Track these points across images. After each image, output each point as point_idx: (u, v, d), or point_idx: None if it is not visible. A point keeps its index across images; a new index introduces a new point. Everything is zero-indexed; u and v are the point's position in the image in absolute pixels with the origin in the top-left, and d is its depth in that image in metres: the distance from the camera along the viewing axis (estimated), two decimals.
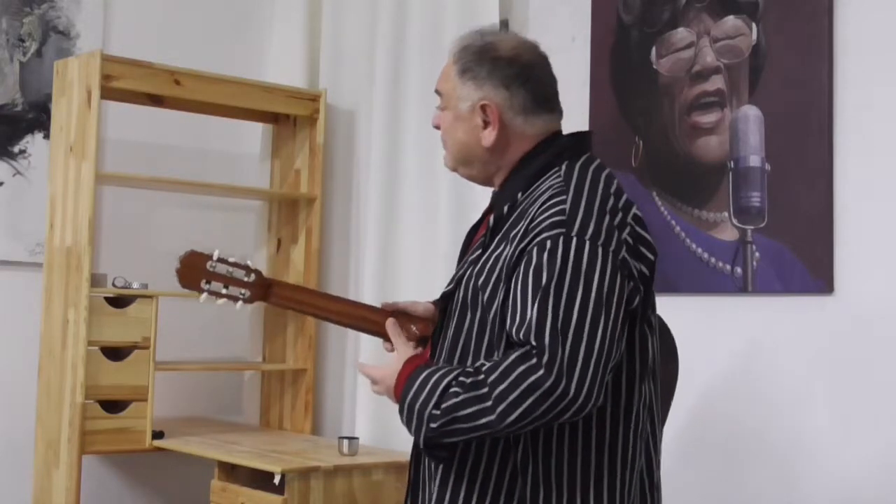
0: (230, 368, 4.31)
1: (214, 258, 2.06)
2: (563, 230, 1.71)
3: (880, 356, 2.65)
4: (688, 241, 3.03)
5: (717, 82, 3.00)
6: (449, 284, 1.91)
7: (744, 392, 2.89)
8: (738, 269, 2.91)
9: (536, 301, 1.68)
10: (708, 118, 3.01)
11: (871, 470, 2.64)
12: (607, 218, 1.75)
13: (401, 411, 1.78)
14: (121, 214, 4.04)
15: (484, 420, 1.67)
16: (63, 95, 3.75)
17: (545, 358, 1.64)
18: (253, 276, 2.06)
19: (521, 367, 1.65)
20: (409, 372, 1.79)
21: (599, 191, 1.80)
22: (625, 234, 1.77)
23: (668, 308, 3.05)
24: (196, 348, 4.17)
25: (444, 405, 1.70)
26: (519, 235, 1.76)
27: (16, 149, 3.91)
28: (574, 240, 1.70)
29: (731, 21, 2.99)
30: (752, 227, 2.90)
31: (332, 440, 3.72)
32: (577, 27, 3.35)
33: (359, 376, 3.79)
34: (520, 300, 1.70)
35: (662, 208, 3.09)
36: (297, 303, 2.12)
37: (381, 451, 3.54)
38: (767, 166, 2.87)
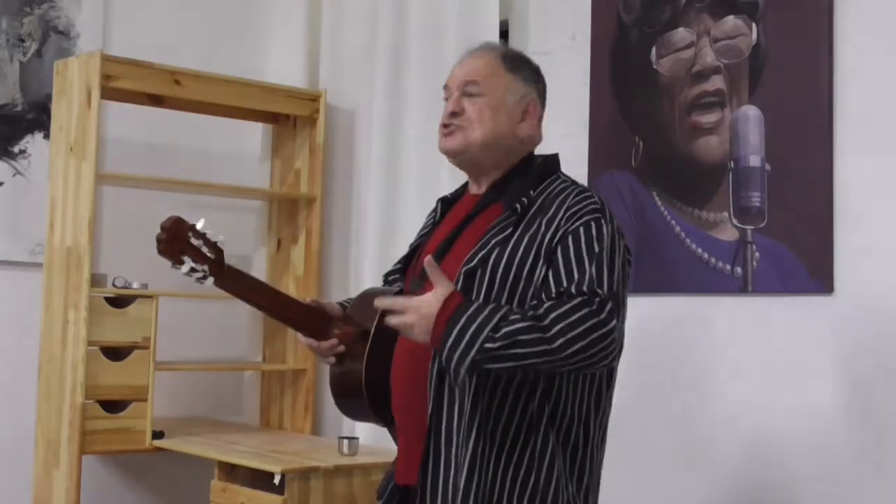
0: (230, 368, 4.31)
1: (199, 227, 2.02)
2: (601, 216, 2.02)
3: (880, 356, 2.65)
4: (688, 241, 3.03)
5: (717, 82, 3.00)
6: (469, 262, 2.02)
7: (744, 392, 2.88)
8: (738, 269, 2.91)
9: (594, 264, 1.96)
10: (708, 118, 3.01)
11: (870, 468, 2.64)
12: (615, 220, 2.07)
13: (446, 337, 1.90)
14: (121, 214, 4.04)
15: (543, 347, 1.87)
16: (63, 95, 3.75)
17: (608, 306, 1.91)
18: (213, 255, 2.04)
19: (585, 310, 1.90)
20: (460, 300, 1.93)
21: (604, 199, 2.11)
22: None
23: (669, 308, 3.07)
24: (196, 348, 4.17)
25: (503, 329, 1.88)
26: (557, 220, 2.02)
27: (16, 149, 3.92)
28: (610, 225, 2.03)
29: (731, 21, 2.99)
30: (752, 227, 2.89)
31: (332, 440, 3.72)
32: (577, 27, 3.35)
33: None
34: (575, 263, 1.96)
35: (662, 208, 3.09)
36: (246, 291, 2.12)
37: (381, 451, 3.53)
38: (767, 166, 2.87)
